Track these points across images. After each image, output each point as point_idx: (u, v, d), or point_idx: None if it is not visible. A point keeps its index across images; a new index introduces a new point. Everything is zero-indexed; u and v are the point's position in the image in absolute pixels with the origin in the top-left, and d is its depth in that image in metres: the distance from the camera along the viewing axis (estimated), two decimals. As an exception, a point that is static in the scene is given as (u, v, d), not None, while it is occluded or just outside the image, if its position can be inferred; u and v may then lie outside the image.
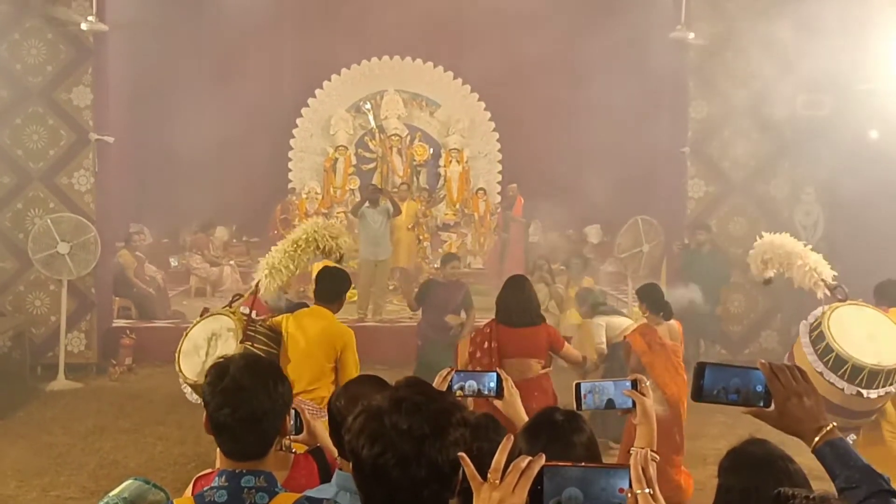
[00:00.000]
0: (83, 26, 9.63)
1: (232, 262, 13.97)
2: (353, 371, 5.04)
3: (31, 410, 8.69)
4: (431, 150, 15.37)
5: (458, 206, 15.22)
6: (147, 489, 2.36)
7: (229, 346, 4.80)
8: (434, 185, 15.41)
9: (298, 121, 15.32)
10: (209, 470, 2.54)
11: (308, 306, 5.50)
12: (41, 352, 10.00)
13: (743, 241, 10.64)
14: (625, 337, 6.35)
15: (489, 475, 1.58)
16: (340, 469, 2.45)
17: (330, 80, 15.32)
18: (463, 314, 8.01)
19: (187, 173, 13.63)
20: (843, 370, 4.56)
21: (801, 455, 2.44)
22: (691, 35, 10.14)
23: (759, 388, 1.87)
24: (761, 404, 1.87)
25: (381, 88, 15.34)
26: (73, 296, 9.95)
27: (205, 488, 2.11)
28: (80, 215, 9.84)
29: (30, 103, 9.98)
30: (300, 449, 2.84)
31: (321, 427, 2.84)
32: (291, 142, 15.34)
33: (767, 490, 2.30)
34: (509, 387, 2.83)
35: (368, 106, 15.31)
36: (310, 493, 2.36)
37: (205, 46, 14.19)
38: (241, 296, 5.37)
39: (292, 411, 2.65)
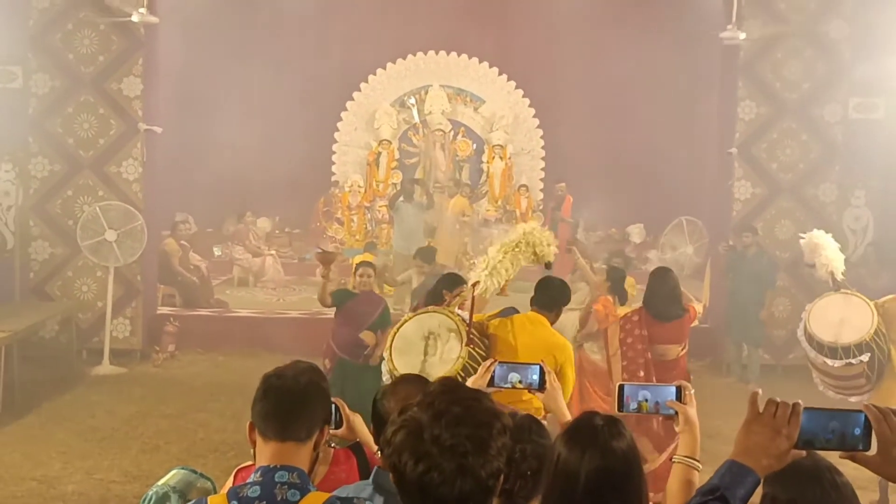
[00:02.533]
0: (134, 18, 9.76)
1: (273, 252, 14.10)
2: (569, 386, 4.88)
3: (77, 394, 8.86)
4: (475, 145, 15.36)
5: (500, 202, 15.18)
6: (194, 478, 2.43)
7: (452, 347, 4.60)
8: (476, 181, 15.39)
9: (343, 114, 15.41)
10: (250, 462, 2.57)
11: (516, 311, 5.27)
12: (87, 336, 10.20)
13: (789, 244, 10.47)
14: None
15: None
16: (381, 467, 2.45)
17: (375, 74, 15.38)
18: (380, 334, 6.82)
19: (232, 164, 13.79)
20: (813, 344, 6.33)
21: (845, 465, 2.39)
22: (742, 35, 9.96)
23: (858, 431, 1.81)
24: (860, 448, 1.81)
25: (426, 83, 15.36)
26: (119, 282, 10.13)
27: (239, 484, 2.13)
28: (128, 204, 10.00)
29: (81, 93, 10.16)
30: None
31: (360, 422, 2.85)
32: (336, 135, 15.43)
33: (814, 502, 2.26)
34: (551, 380, 2.83)
35: (413, 100, 15.34)
36: (339, 492, 2.37)
37: (252, 40, 14.33)
38: (459, 295, 5.18)
39: (332, 406, 2.66)
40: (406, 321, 4.81)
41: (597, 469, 2.07)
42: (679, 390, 2.43)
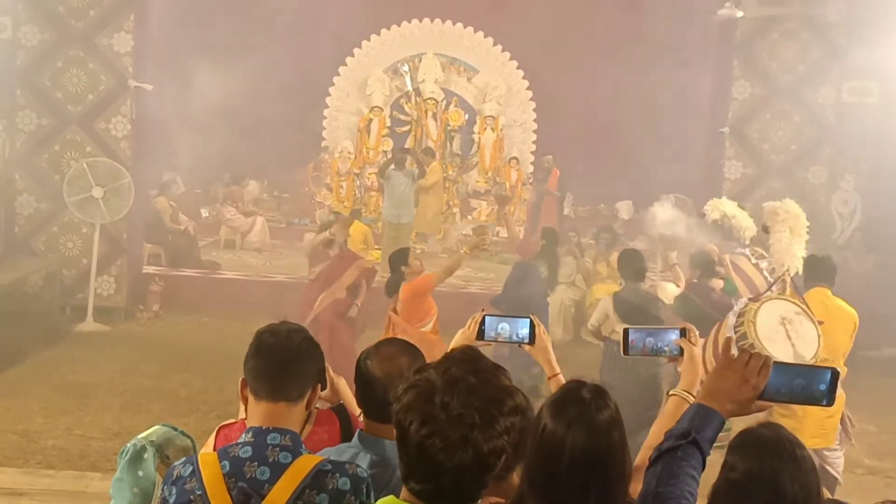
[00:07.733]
0: (127, -28, 9.63)
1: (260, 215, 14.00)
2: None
3: (60, 350, 8.83)
4: (467, 115, 15.27)
5: (489, 174, 15.14)
6: (174, 435, 2.43)
7: (808, 328, 4.83)
8: (467, 152, 15.33)
9: (335, 79, 15.28)
10: (232, 420, 2.57)
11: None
12: (71, 293, 10.14)
13: (777, 226, 10.51)
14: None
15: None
16: (363, 430, 2.45)
17: (369, 40, 15.24)
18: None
19: (223, 126, 13.67)
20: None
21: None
22: (739, 14, 9.93)
23: (823, 387, 1.85)
24: (824, 403, 1.88)
25: (420, 51, 15.23)
26: (104, 240, 10.06)
27: (230, 444, 2.12)
28: (116, 161, 9.91)
29: (71, 47, 10.01)
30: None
31: (344, 384, 2.85)
32: (327, 100, 15.31)
33: (771, 472, 2.30)
34: (541, 333, 2.82)
35: (406, 68, 15.22)
36: (332, 455, 2.37)
37: (246, 1, 14.14)
38: (781, 278, 5.51)
39: (325, 365, 2.66)
40: (756, 310, 4.92)
41: (582, 442, 2.06)
42: (683, 331, 2.49)
